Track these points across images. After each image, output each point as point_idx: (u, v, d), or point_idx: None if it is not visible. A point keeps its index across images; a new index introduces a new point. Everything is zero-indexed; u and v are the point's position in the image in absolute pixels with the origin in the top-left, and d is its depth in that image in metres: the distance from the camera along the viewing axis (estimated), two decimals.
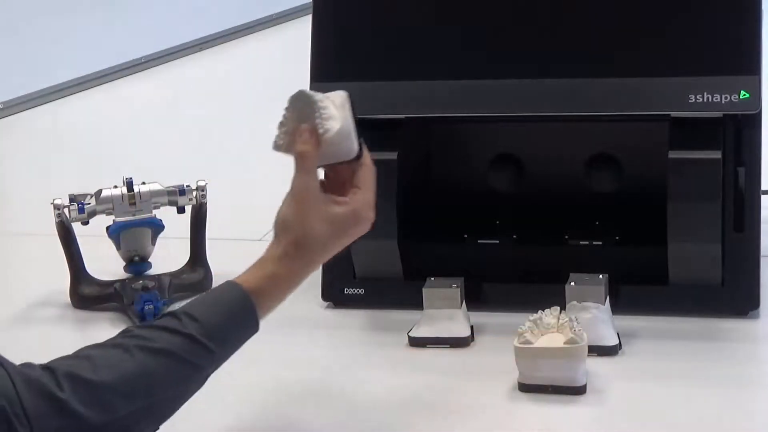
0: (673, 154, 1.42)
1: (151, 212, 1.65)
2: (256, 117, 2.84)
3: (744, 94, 1.39)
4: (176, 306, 1.13)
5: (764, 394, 1.30)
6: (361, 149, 1.11)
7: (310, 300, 1.56)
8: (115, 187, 1.65)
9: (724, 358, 1.36)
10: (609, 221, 1.57)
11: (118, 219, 1.64)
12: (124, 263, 1.68)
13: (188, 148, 2.64)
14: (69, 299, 1.64)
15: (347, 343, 1.48)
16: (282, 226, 1.08)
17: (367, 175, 1.11)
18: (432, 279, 1.45)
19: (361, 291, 1.56)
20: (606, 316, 1.38)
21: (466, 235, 1.59)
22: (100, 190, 1.65)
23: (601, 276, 1.39)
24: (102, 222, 1.66)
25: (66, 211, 1.61)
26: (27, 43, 3.32)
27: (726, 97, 1.40)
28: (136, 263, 1.67)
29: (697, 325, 1.44)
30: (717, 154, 1.41)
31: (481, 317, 1.46)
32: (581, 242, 1.54)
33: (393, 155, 1.50)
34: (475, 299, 1.47)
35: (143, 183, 1.65)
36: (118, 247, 1.67)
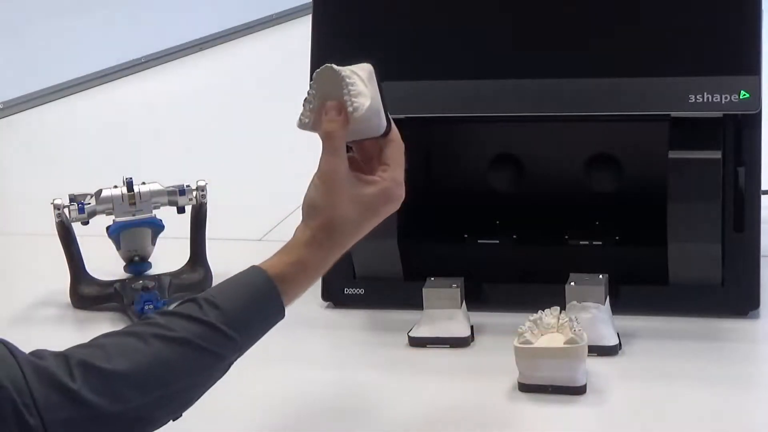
0: (673, 154, 1.42)
1: (151, 212, 1.65)
2: (256, 117, 2.86)
3: (744, 94, 1.39)
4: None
5: (764, 394, 1.30)
6: (389, 125, 1.07)
7: (310, 300, 1.55)
8: (115, 187, 1.65)
9: (724, 358, 1.36)
10: (609, 221, 1.57)
11: (118, 219, 1.64)
12: (124, 263, 1.68)
13: (188, 148, 2.63)
14: (69, 299, 1.64)
15: (347, 343, 1.48)
16: (310, 210, 1.05)
17: (396, 151, 1.08)
18: (432, 279, 1.45)
19: (361, 291, 1.56)
20: (606, 316, 1.38)
21: (466, 235, 1.59)
22: (100, 190, 1.65)
23: (601, 276, 1.39)
24: (102, 222, 1.66)
25: (66, 211, 1.61)
26: (27, 44, 3.32)
27: (726, 97, 1.40)
28: (136, 263, 1.67)
29: (697, 325, 1.44)
30: (717, 154, 1.41)
31: (481, 317, 1.46)
32: (581, 242, 1.54)
33: None
34: (475, 299, 1.47)
35: (143, 183, 1.65)
36: (118, 247, 1.67)
